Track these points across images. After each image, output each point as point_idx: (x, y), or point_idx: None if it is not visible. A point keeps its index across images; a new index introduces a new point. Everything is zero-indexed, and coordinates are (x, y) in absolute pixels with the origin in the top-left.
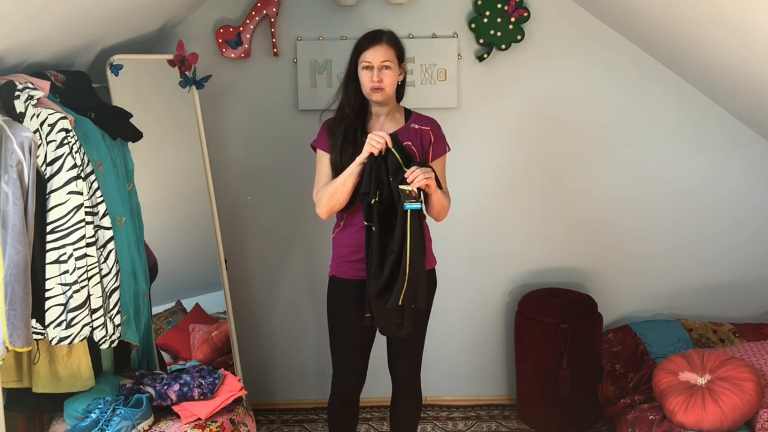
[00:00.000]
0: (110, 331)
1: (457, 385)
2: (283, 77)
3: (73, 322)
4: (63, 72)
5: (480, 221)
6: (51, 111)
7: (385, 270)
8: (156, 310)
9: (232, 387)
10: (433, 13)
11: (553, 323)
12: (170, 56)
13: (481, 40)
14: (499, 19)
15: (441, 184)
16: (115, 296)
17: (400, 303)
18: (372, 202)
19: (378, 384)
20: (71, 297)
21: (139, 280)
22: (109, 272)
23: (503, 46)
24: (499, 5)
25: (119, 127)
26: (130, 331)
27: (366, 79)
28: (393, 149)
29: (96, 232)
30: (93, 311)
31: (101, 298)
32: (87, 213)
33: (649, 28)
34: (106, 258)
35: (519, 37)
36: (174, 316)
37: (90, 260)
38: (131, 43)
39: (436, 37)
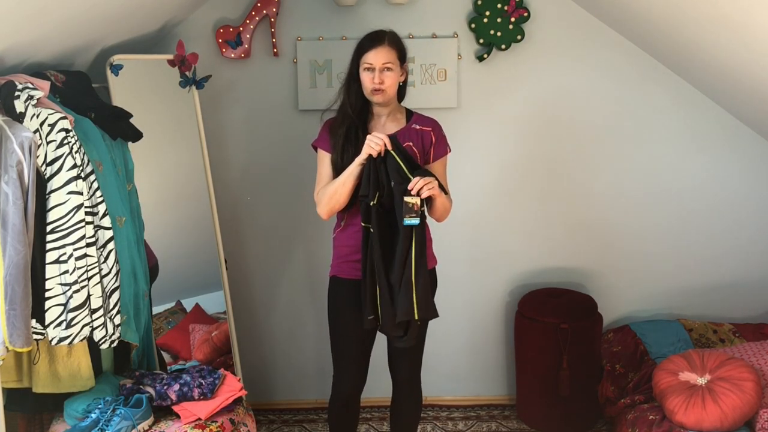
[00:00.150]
0: (110, 331)
1: (457, 385)
2: (283, 77)
3: (73, 322)
4: (63, 72)
5: (480, 221)
6: (51, 111)
7: (396, 299)
8: (156, 310)
9: (232, 387)
10: (433, 13)
11: (553, 323)
12: (170, 56)
13: (481, 40)
14: (499, 19)
15: (444, 187)
16: (115, 296)
17: (416, 317)
18: (371, 204)
19: (378, 384)
20: (71, 297)
21: (139, 280)
22: (109, 272)
23: (503, 46)
24: (499, 5)
25: (119, 127)
26: (130, 331)
27: (367, 80)
28: (393, 151)
29: (96, 232)
30: (93, 311)
31: (101, 298)
32: (87, 213)
33: (649, 28)
34: (106, 258)
35: (519, 37)
36: (174, 316)
37: (90, 260)
38: (131, 43)
39: (436, 37)
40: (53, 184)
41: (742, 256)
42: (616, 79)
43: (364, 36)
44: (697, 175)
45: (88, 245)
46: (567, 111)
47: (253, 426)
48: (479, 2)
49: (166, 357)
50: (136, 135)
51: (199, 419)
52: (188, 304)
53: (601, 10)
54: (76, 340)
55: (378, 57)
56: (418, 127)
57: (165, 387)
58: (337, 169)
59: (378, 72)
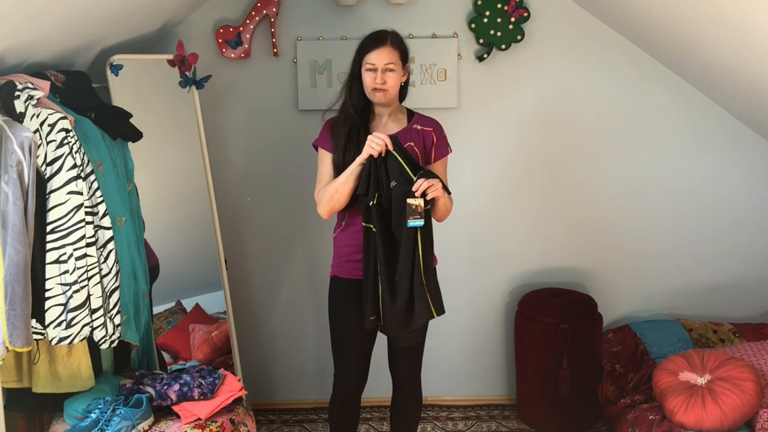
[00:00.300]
0: (110, 331)
1: (457, 385)
2: (283, 77)
3: (73, 322)
4: (63, 72)
5: (480, 221)
6: (51, 111)
7: (398, 298)
8: (156, 310)
9: (232, 387)
10: (433, 13)
11: (553, 323)
12: (170, 56)
13: (481, 40)
14: (499, 19)
15: (447, 188)
16: (115, 296)
17: (435, 315)
18: (371, 204)
19: (378, 384)
20: (71, 297)
21: (139, 280)
22: (109, 272)
23: (503, 46)
24: (499, 5)
25: (119, 127)
26: (130, 331)
27: (369, 80)
28: (394, 152)
29: (96, 232)
30: (93, 311)
31: (101, 298)
32: (87, 213)
33: (649, 28)
34: (106, 258)
35: (519, 37)
36: (174, 316)
37: (90, 260)
38: (131, 43)
39: (436, 37)
40: (53, 184)
41: (742, 256)
42: (616, 79)
43: (367, 36)
44: (697, 176)
45: (88, 245)
46: (567, 111)
47: (253, 426)
48: (479, 2)
49: (166, 357)
50: (136, 135)
51: (199, 419)
52: (188, 304)
53: (601, 10)
54: (76, 340)
55: (380, 57)
56: (419, 127)
57: (165, 387)
58: (339, 169)
59: (380, 72)
